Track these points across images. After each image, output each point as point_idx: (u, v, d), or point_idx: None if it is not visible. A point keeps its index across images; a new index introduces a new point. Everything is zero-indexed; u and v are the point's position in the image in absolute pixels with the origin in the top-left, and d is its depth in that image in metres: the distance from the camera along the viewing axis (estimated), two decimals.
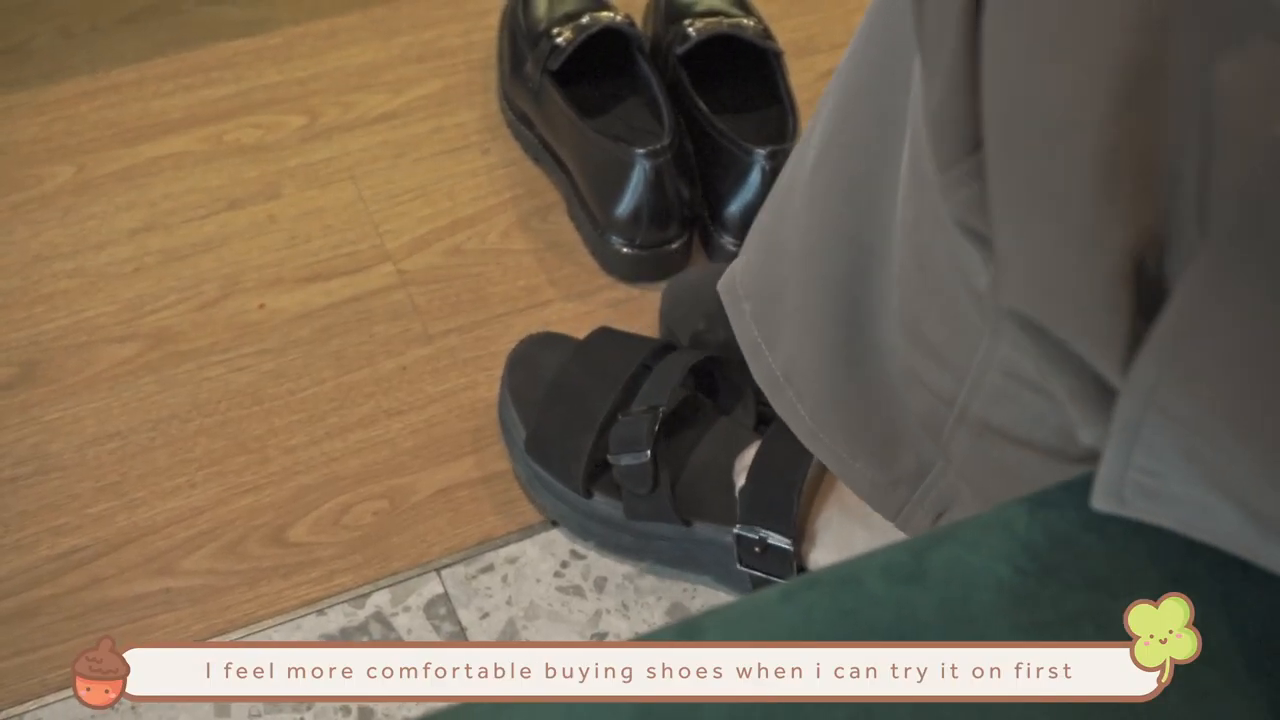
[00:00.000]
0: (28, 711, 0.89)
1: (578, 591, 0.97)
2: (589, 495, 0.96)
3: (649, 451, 0.91)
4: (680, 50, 1.17)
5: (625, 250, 1.12)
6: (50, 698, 0.90)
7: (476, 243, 1.17)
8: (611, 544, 0.97)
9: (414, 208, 1.19)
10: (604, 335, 1.02)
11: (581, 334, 1.08)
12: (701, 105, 1.14)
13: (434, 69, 1.30)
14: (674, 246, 1.13)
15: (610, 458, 0.93)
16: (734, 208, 1.11)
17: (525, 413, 0.98)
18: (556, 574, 0.97)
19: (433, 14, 1.35)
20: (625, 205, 1.10)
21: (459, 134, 1.25)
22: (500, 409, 1.01)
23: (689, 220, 1.13)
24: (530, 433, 0.97)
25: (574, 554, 0.98)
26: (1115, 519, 0.44)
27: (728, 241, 1.13)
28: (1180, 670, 0.42)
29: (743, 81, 1.19)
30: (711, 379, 1.01)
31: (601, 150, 1.11)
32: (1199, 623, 0.41)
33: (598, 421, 0.94)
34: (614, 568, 0.98)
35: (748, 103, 1.18)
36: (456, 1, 1.36)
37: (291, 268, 1.13)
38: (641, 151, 1.08)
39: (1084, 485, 0.44)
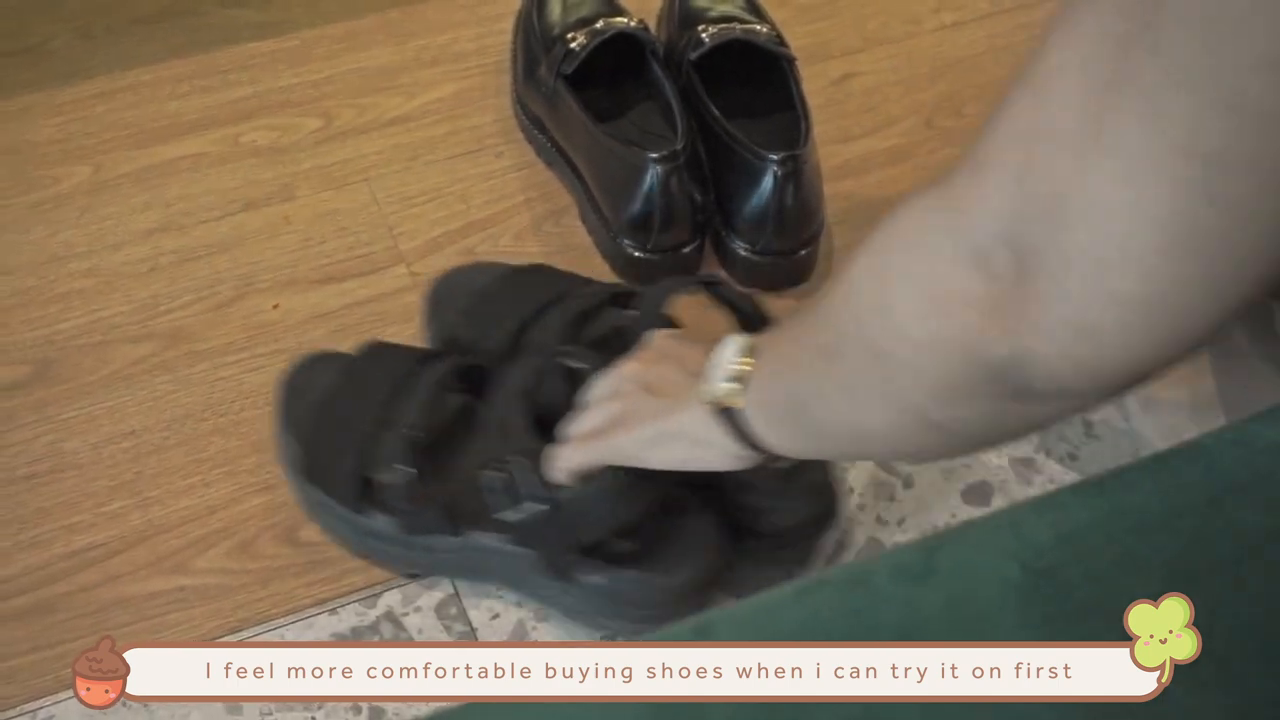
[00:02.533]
0: (42, 708, 0.90)
1: None
2: (363, 513, 0.94)
3: (411, 469, 0.89)
4: (694, 55, 1.18)
5: (637, 254, 1.12)
6: (65, 694, 0.90)
7: (489, 245, 1.17)
8: (394, 559, 0.96)
9: (428, 210, 1.20)
10: (371, 350, 0.99)
11: None
12: (714, 110, 1.14)
13: (449, 72, 1.31)
14: (686, 251, 1.13)
15: (376, 476, 0.92)
16: (746, 212, 1.11)
17: (298, 434, 0.97)
18: None
19: (448, 18, 1.36)
20: (637, 209, 1.10)
21: (473, 137, 1.26)
22: (275, 434, 1.00)
23: (701, 225, 1.13)
24: (301, 455, 0.96)
25: None
26: (1119, 518, 0.44)
27: (739, 246, 1.12)
28: (1182, 668, 0.42)
29: (755, 87, 1.19)
30: (480, 381, 0.98)
31: (614, 154, 1.12)
32: (1200, 621, 0.42)
33: (361, 440, 0.93)
34: None
35: (760, 108, 1.18)
36: (471, 5, 1.37)
37: (306, 269, 1.13)
38: (654, 156, 1.07)
39: (1090, 488, 0.44)
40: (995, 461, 1.04)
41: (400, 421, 0.91)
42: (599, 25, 1.19)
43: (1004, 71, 1.33)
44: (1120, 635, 0.42)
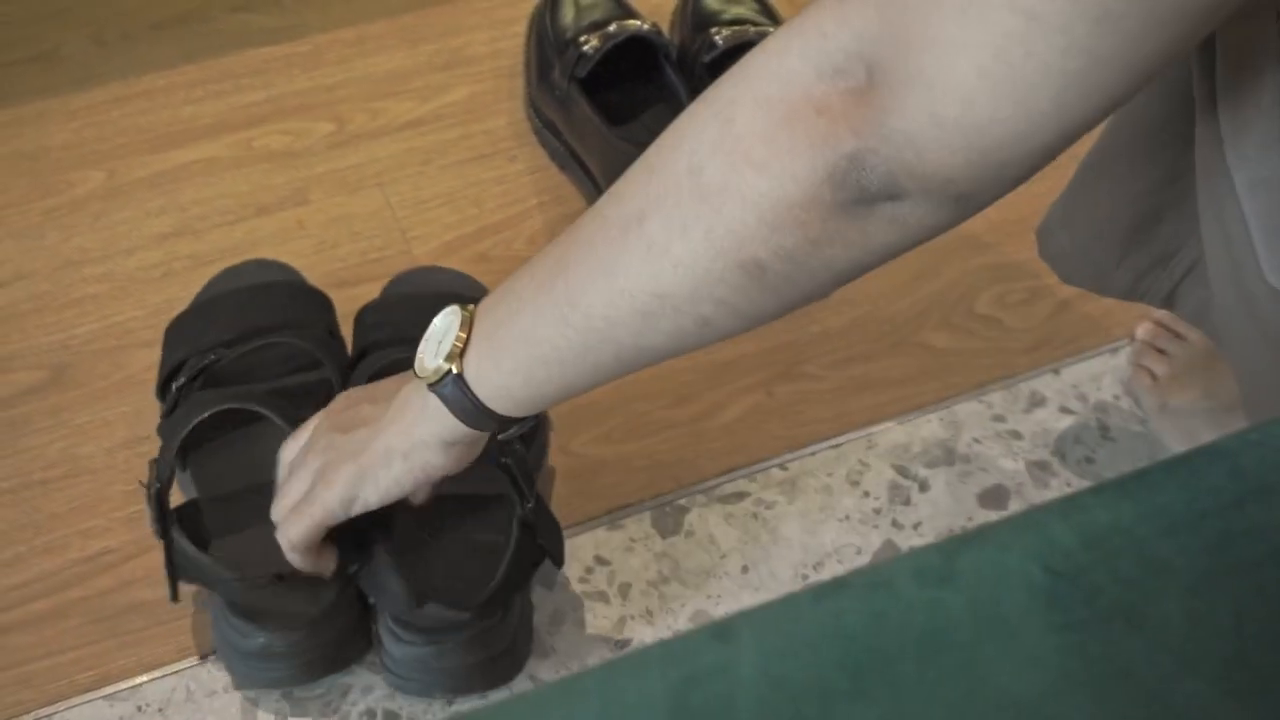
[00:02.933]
0: (57, 713, 0.90)
1: (602, 597, 0.97)
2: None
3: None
4: (707, 59, 1.18)
5: None
6: (79, 699, 0.91)
7: (503, 249, 1.17)
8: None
9: (441, 214, 1.20)
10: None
11: None
12: None
13: (461, 76, 1.31)
14: None
15: None
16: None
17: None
18: (581, 579, 0.98)
19: (460, 21, 1.36)
20: None
21: (486, 141, 1.26)
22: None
23: None
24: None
25: (598, 560, 0.99)
26: (1143, 521, 0.44)
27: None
28: (1214, 666, 0.42)
29: None
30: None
31: (627, 157, 1.10)
32: (1229, 625, 0.41)
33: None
34: (638, 573, 0.98)
35: None
36: (483, 9, 1.37)
37: (319, 273, 1.13)
38: None
39: (1113, 489, 0.44)
40: (1011, 465, 1.04)
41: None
42: (611, 28, 1.19)
43: None
44: (1147, 636, 0.42)
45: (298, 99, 1.28)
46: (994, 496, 1.03)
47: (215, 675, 0.92)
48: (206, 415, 0.89)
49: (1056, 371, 1.11)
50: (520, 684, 0.92)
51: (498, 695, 0.92)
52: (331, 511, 0.82)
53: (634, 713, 0.44)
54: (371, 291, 1.07)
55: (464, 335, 0.74)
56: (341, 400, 0.86)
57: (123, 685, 0.91)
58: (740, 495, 1.02)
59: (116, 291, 1.13)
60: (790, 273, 0.62)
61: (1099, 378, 1.10)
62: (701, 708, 0.44)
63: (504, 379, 0.73)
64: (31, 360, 1.08)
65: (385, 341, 0.99)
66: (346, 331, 1.04)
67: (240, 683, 0.91)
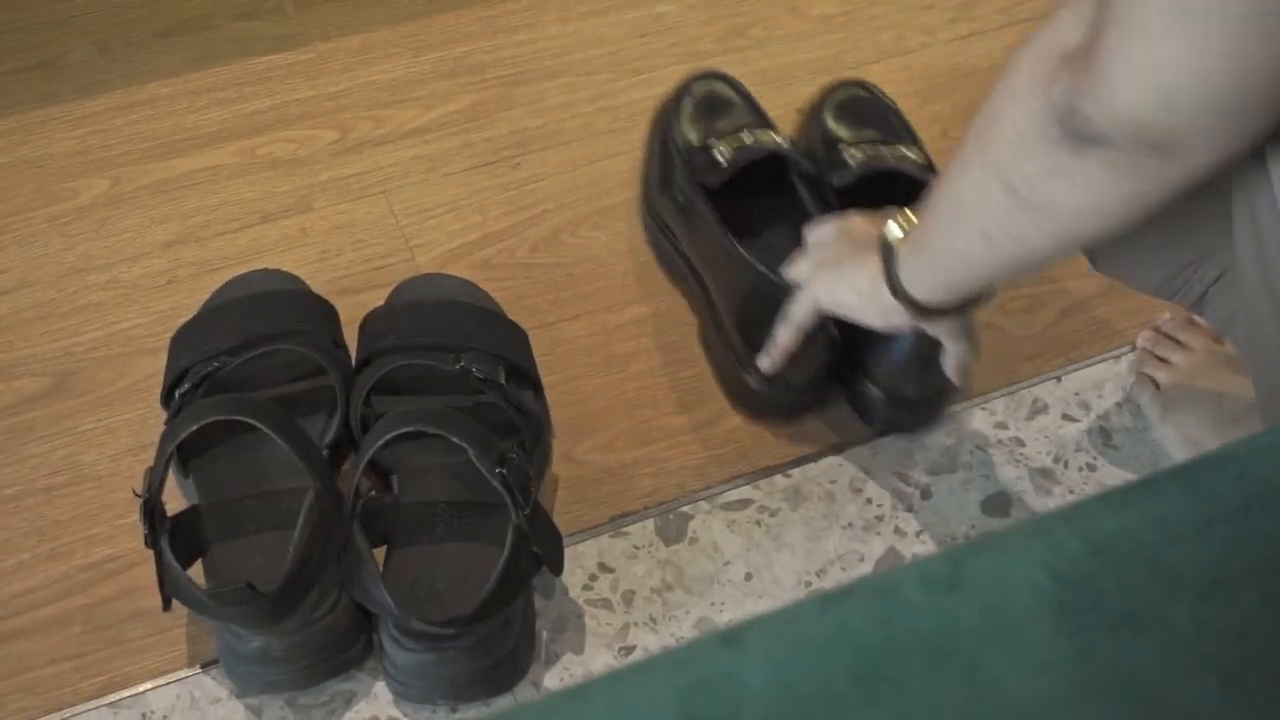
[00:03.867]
0: None
1: (605, 604, 0.97)
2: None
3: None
4: (840, 184, 1.08)
5: (763, 389, 1.04)
6: (83, 706, 0.91)
7: (506, 257, 1.17)
8: None
9: (444, 222, 1.20)
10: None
11: (612, 346, 1.10)
12: None
13: (464, 84, 1.31)
14: (816, 391, 1.06)
15: None
16: (886, 358, 1.02)
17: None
18: (585, 586, 0.98)
19: (463, 30, 1.36)
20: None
21: (489, 149, 1.26)
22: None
23: (835, 364, 1.04)
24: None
25: (602, 567, 0.99)
26: (1150, 528, 0.44)
27: (870, 389, 1.04)
28: (1222, 672, 0.42)
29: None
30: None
31: (752, 281, 1.02)
32: (1237, 631, 0.41)
33: None
34: (642, 581, 0.98)
35: None
36: (486, 17, 1.37)
37: (323, 281, 1.13)
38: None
39: (1119, 496, 0.44)
40: (1014, 473, 1.04)
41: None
42: (747, 140, 1.10)
43: None
44: (1155, 643, 0.42)
45: (301, 107, 1.29)
46: (996, 504, 1.03)
47: (219, 683, 0.92)
48: (196, 427, 0.89)
49: (1059, 379, 1.11)
50: (523, 691, 0.92)
51: (501, 702, 0.92)
52: (812, 299, 0.96)
53: (642, 713, 0.44)
54: (375, 299, 1.07)
55: (909, 218, 0.87)
56: (859, 215, 0.98)
57: (127, 693, 0.91)
58: (744, 502, 1.02)
59: (120, 299, 1.13)
60: (1034, 200, 0.70)
61: (1101, 385, 1.10)
62: (709, 715, 0.44)
63: (910, 268, 0.87)
64: (35, 367, 1.08)
65: (390, 349, 0.99)
66: (351, 339, 1.04)
67: (241, 688, 0.91)
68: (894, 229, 0.87)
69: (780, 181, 1.12)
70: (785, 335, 0.99)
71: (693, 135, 1.14)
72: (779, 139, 1.11)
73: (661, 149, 1.16)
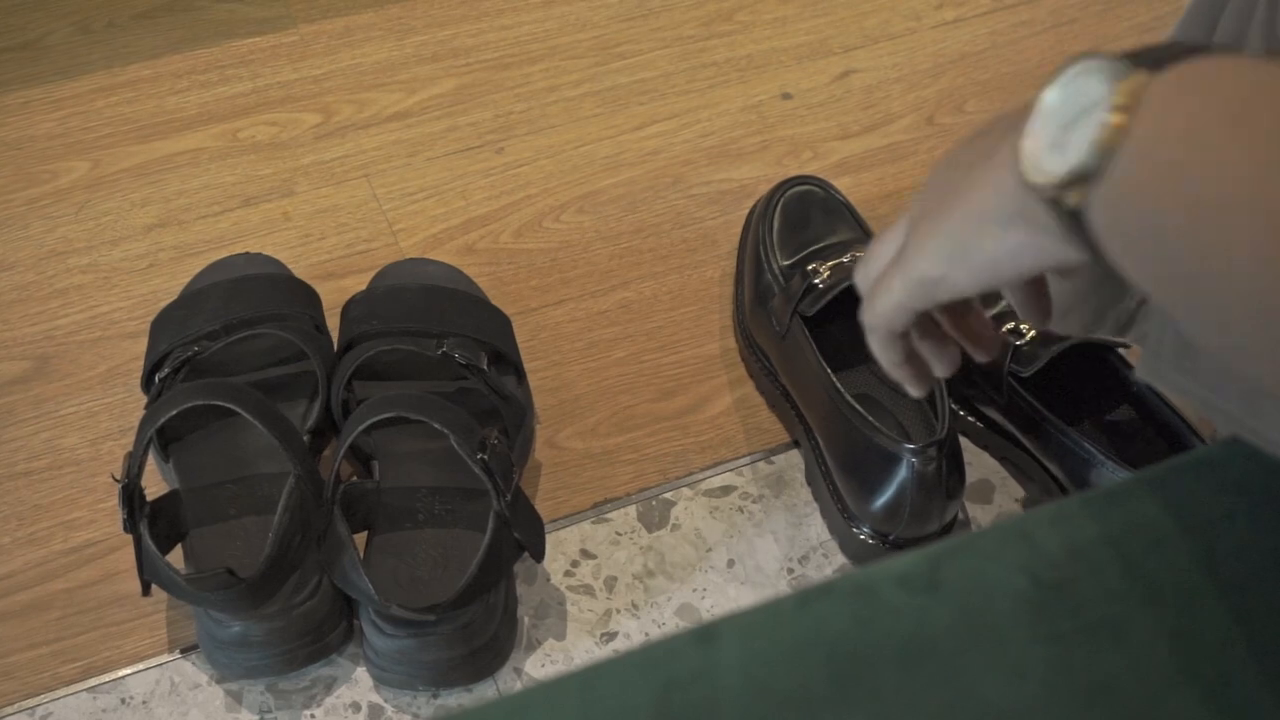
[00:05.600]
0: (40, 705, 0.90)
1: (588, 590, 0.97)
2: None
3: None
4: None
5: (871, 543, 0.96)
6: (62, 691, 0.90)
7: (489, 242, 1.17)
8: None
9: (427, 206, 1.19)
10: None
11: (595, 332, 1.09)
12: (1041, 408, 0.97)
13: (448, 68, 1.31)
14: (929, 537, 0.96)
15: None
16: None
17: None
18: (566, 573, 0.98)
19: (447, 13, 1.36)
20: (884, 501, 0.93)
21: (473, 133, 1.25)
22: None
23: (952, 520, 0.96)
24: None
25: (584, 553, 0.99)
26: (1130, 533, 0.44)
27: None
28: (1201, 685, 0.42)
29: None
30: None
31: (859, 433, 0.93)
32: (1218, 642, 0.41)
33: None
34: (624, 567, 0.98)
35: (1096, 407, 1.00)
36: (470, 1, 1.37)
37: (305, 265, 1.13)
38: (911, 449, 0.90)
39: (1101, 500, 0.44)
40: (995, 460, 1.04)
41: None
42: (848, 260, 1.01)
43: (1006, 68, 1.33)
44: (1132, 650, 0.42)
45: (284, 90, 1.28)
46: (978, 490, 1.03)
47: (199, 668, 0.92)
48: (176, 411, 0.88)
49: None
50: (504, 677, 0.92)
51: (482, 688, 0.92)
52: (915, 285, 0.55)
53: (615, 717, 0.44)
54: (358, 283, 1.07)
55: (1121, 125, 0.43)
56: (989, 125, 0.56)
57: (106, 677, 0.91)
58: (726, 489, 1.02)
59: (101, 282, 1.13)
60: None
61: None
62: (683, 712, 0.44)
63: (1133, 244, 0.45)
64: (15, 351, 1.08)
65: (372, 333, 0.99)
66: (333, 323, 1.03)
67: (221, 673, 0.91)
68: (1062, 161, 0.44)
69: None
70: (885, 353, 0.61)
71: (788, 247, 1.06)
72: None
73: (754, 260, 1.08)
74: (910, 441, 0.91)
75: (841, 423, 0.95)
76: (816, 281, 1.01)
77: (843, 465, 0.96)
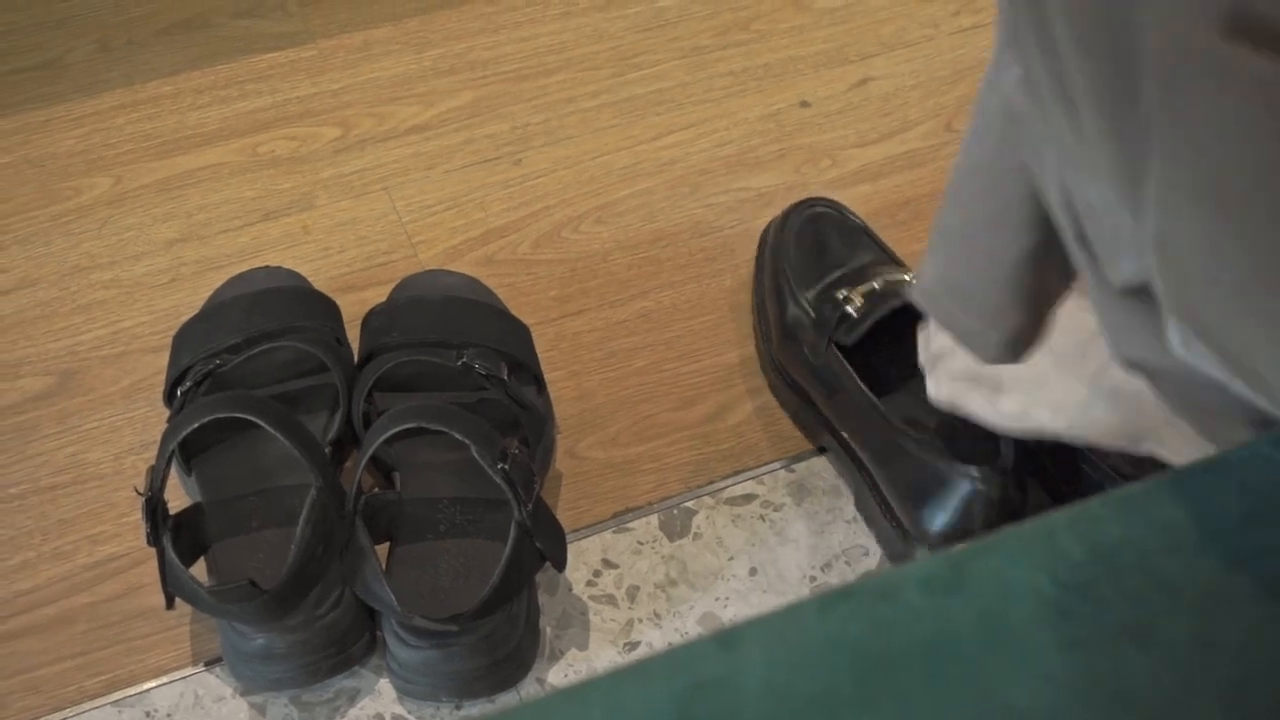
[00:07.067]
0: (66, 719, 0.90)
1: (610, 600, 0.97)
2: None
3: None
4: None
5: None
6: (87, 705, 0.91)
7: (508, 253, 1.17)
8: None
9: (446, 218, 1.20)
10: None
11: (614, 341, 1.09)
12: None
13: (465, 81, 1.31)
14: None
15: None
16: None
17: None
18: (589, 583, 0.98)
19: (464, 26, 1.36)
20: (945, 523, 0.90)
21: (490, 145, 1.26)
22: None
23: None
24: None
25: (606, 563, 0.99)
26: (1152, 537, 0.44)
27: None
28: (1220, 694, 0.41)
29: None
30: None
31: (921, 460, 0.92)
32: (1240, 649, 0.41)
33: None
34: (646, 576, 0.98)
35: None
36: (487, 14, 1.37)
37: (326, 278, 1.13)
38: (976, 474, 0.88)
39: (1124, 501, 0.44)
40: None
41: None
42: (878, 286, 0.99)
43: None
44: (1155, 654, 0.42)
45: (303, 104, 1.29)
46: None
47: (223, 681, 0.92)
48: (198, 424, 0.89)
49: None
50: (527, 688, 0.92)
51: (505, 699, 0.92)
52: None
53: (639, 713, 0.44)
54: (378, 295, 1.07)
55: None
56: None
57: (131, 691, 0.92)
58: (748, 497, 1.02)
59: (124, 297, 1.13)
60: None
61: None
62: (706, 717, 0.44)
63: None
64: (39, 366, 1.09)
65: (392, 345, 0.99)
66: (353, 335, 1.04)
67: (245, 686, 0.91)
68: None
69: (909, 322, 0.92)
70: None
71: (809, 279, 1.04)
72: (908, 276, 1.00)
73: (773, 287, 1.06)
74: (969, 461, 0.89)
75: (895, 450, 0.93)
76: (849, 310, 0.99)
77: (898, 491, 0.94)
